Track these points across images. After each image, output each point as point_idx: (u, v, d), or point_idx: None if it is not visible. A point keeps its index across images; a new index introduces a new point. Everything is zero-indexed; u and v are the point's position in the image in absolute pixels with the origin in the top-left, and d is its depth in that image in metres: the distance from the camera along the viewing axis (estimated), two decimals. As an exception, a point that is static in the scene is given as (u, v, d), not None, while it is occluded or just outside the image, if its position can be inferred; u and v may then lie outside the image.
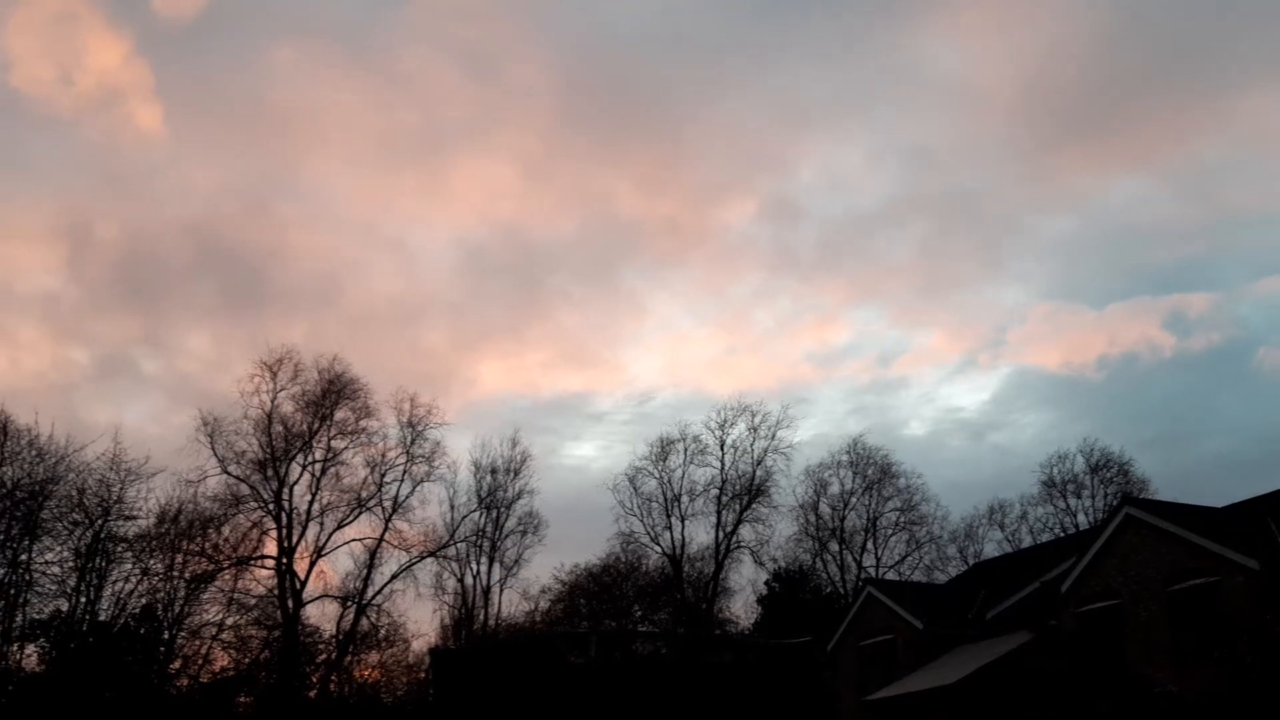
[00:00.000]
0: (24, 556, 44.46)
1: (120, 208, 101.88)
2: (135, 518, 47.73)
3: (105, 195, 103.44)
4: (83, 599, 45.92)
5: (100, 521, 46.43)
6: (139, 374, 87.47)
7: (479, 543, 65.13)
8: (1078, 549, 30.91)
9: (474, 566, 65.32)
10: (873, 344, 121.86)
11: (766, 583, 66.76)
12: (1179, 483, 78.96)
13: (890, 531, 66.83)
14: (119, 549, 47.41)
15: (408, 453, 57.96)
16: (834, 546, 66.87)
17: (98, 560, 46.58)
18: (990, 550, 64.38)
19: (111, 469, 46.65)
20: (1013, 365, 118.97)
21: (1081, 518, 62.34)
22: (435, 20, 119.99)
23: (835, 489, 67.56)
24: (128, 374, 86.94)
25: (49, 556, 45.54)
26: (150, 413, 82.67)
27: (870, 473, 67.61)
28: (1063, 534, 59.73)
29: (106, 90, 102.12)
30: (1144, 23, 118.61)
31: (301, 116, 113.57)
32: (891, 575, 64.41)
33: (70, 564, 45.93)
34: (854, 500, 67.21)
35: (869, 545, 66.79)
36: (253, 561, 53.58)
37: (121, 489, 46.95)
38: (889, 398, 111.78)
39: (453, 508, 63.74)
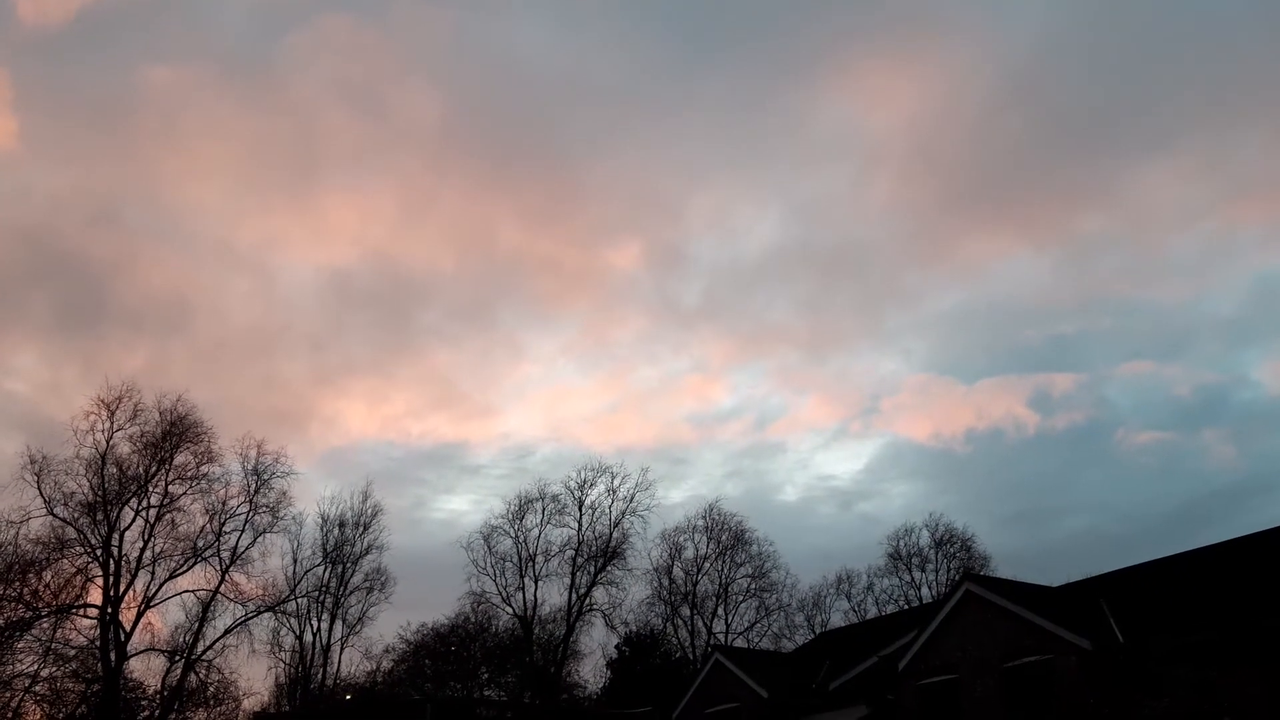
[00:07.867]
0: None
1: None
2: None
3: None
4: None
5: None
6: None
7: (321, 598, 62.93)
8: (919, 623, 31.45)
9: (314, 623, 63.00)
10: (753, 406, 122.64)
11: (617, 646, 66.23)
12: (1040, 560, 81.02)
13: (741, 598, 67.25)
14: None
15: (250, 501, 55.71)
16: (685, 611, 66.92)
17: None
18: (837, 620, 65.39)
19: (-79, 504, 43.53)
20: (886, 434, 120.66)
21: (925, 591, 63.86)
22: (320, 51, 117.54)
23: (690, 553, 67.83)
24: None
25: None
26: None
27: (724, 538, 68.15)
28: (906, 606, 60.99)
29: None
30: (1034, 92, 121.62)
31: (169, 130, 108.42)
32: (740, 642, 64.62)
33: None
34: (707, 565, 67.53)
35: (720, 611, 67.03)
36: (74, 610, 50.40)
37: (-69, 527, 43.79)
38: (766, 462, 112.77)
39: (295, 561, 61.62)
